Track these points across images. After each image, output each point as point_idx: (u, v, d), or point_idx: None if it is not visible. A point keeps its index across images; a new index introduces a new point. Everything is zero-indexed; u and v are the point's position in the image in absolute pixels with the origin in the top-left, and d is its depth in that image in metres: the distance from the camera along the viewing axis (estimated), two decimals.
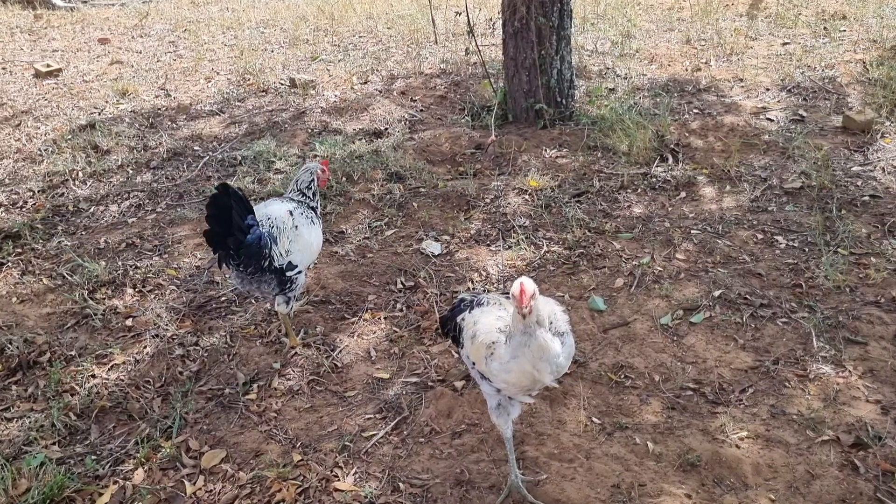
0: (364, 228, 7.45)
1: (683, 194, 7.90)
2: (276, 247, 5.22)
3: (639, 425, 4.86)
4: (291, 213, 5.45)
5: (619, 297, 6.20)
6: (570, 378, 5.29)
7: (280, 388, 5.35)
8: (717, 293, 6.14)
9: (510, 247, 7.02)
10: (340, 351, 5.72)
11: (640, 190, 7.98)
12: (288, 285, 5.42)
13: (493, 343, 4.07)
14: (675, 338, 5.68)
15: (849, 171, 8.05)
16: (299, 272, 5.45)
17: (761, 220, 7.25)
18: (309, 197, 5.64)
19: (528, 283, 3.71)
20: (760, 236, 6.99)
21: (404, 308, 6.22)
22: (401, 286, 6.52)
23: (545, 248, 6.94)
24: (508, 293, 4.22)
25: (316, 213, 5.67)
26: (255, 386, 5.39)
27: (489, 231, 7.32)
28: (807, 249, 6.73)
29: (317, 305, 6.28)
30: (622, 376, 5.31)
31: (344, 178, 8.29)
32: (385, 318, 6.10)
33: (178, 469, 4.70)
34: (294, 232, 5.38)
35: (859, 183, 7.83)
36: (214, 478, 4.63)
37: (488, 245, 7.09)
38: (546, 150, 8.95)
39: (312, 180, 5.65)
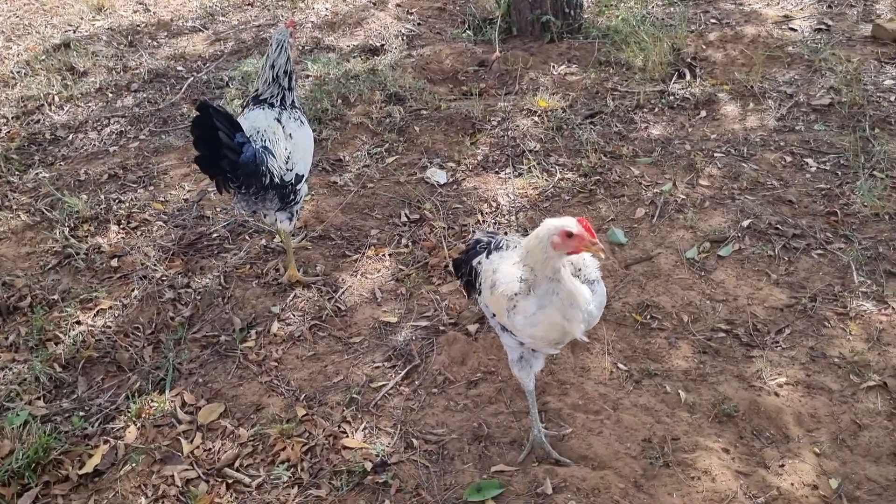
0: (363, 156, 6.95)
1: (704, 113, 7.38)
2: (273, 161, 4.74)
3: (668, 372, 4.51)
4: (279, 120, 4.97)
5: (640, 229, 5.77)
6: None
7: (280, 335, 4.96)
8: (745, 223, 5.71)
9: (521, 174, 6.54)
10: (343, 292, 5.32)
11: (657, 109, 7.45)
12: (291, 198, 5.03)
13: (516, 295, 3.65)
14: (703, 273, 5.29)
15: (881, 86, 7.51)
16: (304, 180, 5.10)
17: (789, 141, 6.76)
18: (286, 87, 5.13)
19: (584, 219, 3.37)
20: (789, 159, 6.52)
21: (410, 243, 5.79)
22: (405, 219, 6.07)
23: (558, 175, 6.47)
24: (528, 233, 3.88)
25: (299, 109, 5.26)
26: (252, 332, 5.00)
27: (497, 157, 6.83)
28: (839, 173, 6.27)
29: (316, 241, 5.85)
30: (648, 317, 4.93)
31: (340, 101, 7.72)
32: (390, 255, 5.68)
33: (173, 426, 4.35)
34: (290, 142, 4.98)
35: (893, 98, 7.30)
36: (213, 435, 4.30)
37: (497, 172, 6.61)
38: (554, 67, 8.35)
39: (287, 58, 5.12)
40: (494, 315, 3.93)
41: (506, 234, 4.20)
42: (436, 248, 5.69)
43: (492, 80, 8.27)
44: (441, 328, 4.93)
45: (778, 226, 5.67)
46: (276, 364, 4.74)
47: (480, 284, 4.04)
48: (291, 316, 5.12)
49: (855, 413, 4.17)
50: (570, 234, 3.27)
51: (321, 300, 5.20)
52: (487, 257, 4.02)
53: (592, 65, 8.30)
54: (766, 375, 4.42)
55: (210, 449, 4.20)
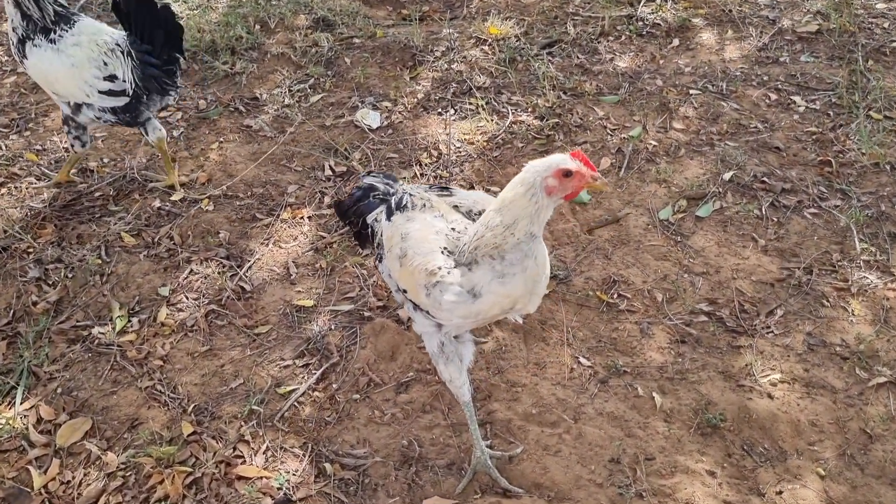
0: (283, 93, 5.91)
1: (676, 42, 6.45)
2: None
3: (640, 368, 3.72)
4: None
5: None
6: (548, 300, 4.07)
7: (168, 324, 4.04)
8: (727, 175, 4.88)
9: (466, 116, 5.59)
10: (250, 267, 4.39)
11: (623, 37, 6.49)
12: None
13: (439, 269, 2.91)
14: (679, 238, 4.46)
15: (872, 10, 6.65)
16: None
17: (773, 75, 5.89)
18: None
19: (578, 151, 2.77)
20: (774, 96, 5.66)
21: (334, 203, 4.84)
22: (329, 172, 5.12)
23: (510, 117, 5.53)
24: (444, 188, 3.33)
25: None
26: (134, 321, 4.07)
27: (441, 95, 5.85)
28: (832, 113, 5.44)
29: (219, 201, 4.87)
30: (615, 295, 4.11)
31: (257, 27, 6.61)
32: (309, 218, 4.74)
33: (23, 451, 3.45)
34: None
35: (886, 25, 6.44)
36: (74, 462, 3.42)
37: (440, 113, 5.64)
38: None
39: None
40: (405, 291, 3.13)
41: (405, 181, 3.30)
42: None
43: (437, 1, 7.20)
44: (366, 314, 4.06)
45: (764, 178, 4.85)
46: (160, 363, 3.84)
47: (381, 249, 3.28)
48: (184, 299, 4.19)
49: (864, 419, 3.45)
50: (567, 173, 2.69)
51: (221, 278, 4.27)
52: (389, 218, 3.21)
53: None
54: (757, 371, 3.66)
55: (69, 481, 3.32)
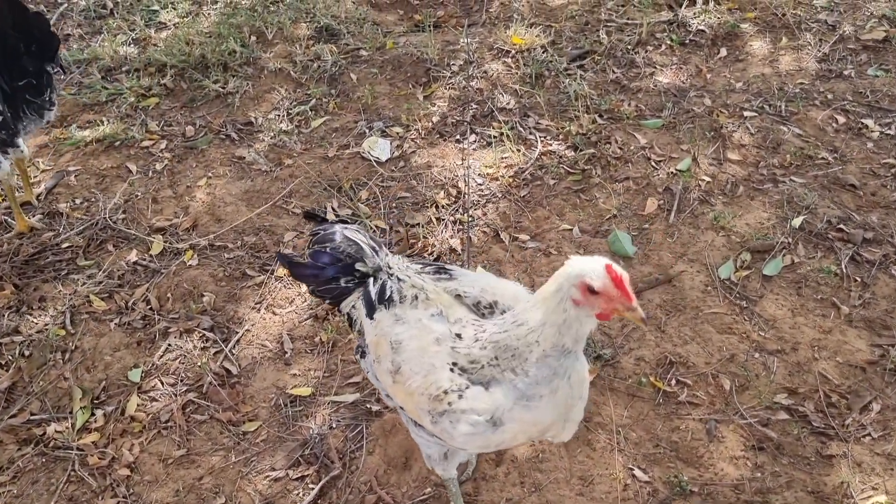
0: (281, 116, 5.22)
1: (724, 52, 5.70)
2: None
3: (711, 485, 3.03)
4: None
5: (652, 231, 4.20)
6: (594, 389, 3.39)
7: (139, 419, 3.40)
8: (796, 221, 4.16)
9: (489, 144, 4.88)
10: (238, 341, 3.72)
11: (664, 47, 5.74)
12: None
13: (446, 394, 2.31)
14: (745, 303, 3.76)
15: None
16: None
17: (838, 93, 5.14)
18: None
19: (615, 267, 2.10)
20: (842, 119, 4.92)
21: None
22: (332, 216, 4.43)
23: (539, 146, 4.82)
24: (441, 269, 2.61)
25: None
26: (98, 414, 3.42)
27: (458, 117, 5.14)
28: None
29: (205, 254, 4.21)
30: (672, 382, 3.42)
31: (253, 38, 5.91)
32: None
33: None
34: None
35: None
36: None
37: (458, 141, 4.94)
38: None
39: None
40: (402, 409, 2.54)
41: (378, 251, 2.61)
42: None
43: (452, 5, 6.47)
44: (374, 407, 3.38)
45: (840, 225, 4.13)
46: (127, 473, 3.19)
47: (362, 338, 2.66)
48: (159, 385, 3.54)
49: None
50: (591, 290, 2.10)
51: (203, 357, 3.61)
52: (370, 315, 2.54)
53: None
54: (855, 490, 2.97)
55: None
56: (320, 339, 3.71)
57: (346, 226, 2.74)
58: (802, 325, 3.63)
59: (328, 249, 2.65)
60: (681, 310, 3.75)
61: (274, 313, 3.88)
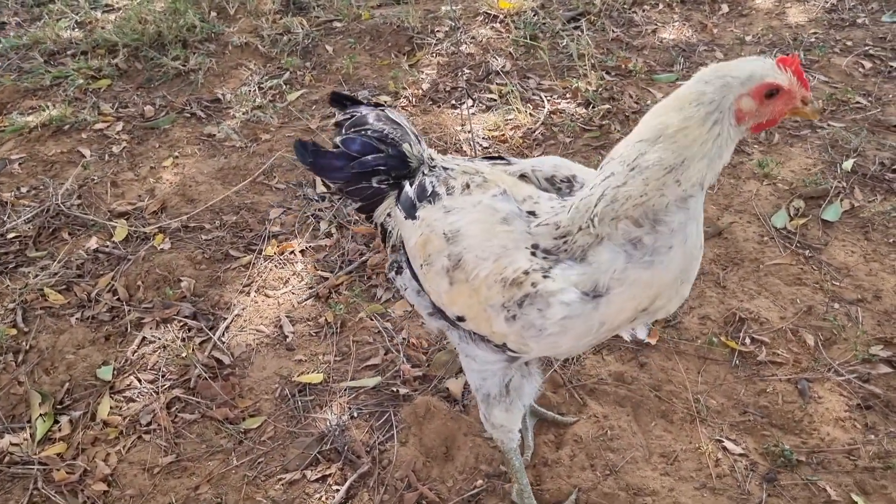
0: (252, 92, 4.65)
1: (726, 8, 5.32)
2: None
3: (820, 452, 2.53)
4: None
5: None
6: (657, 354, 2.87)
7: (114, 423, 2.76)
8: (847, 164, 3.74)
9: (489, 108, 4.38)
10: (227, 328, 3.12)
11: (661, 5, 5.35)
12: None
13: (526, 274, 1.81)
14: (810, 252, 3.30)
15: None
16: None
17: (857, 39, 4.79)
18: None
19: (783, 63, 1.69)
20: (868, 64, 4.55)
21: (333, 229, 3.61)
22: (322, 188, 3.87)
23: (547, 105, 4.33)
24: (499, 157, 2.15)
25: None
26: (63, 421, 2.79)
27: (452, 83, 4.64)
28: None
29: (178, 236, 3.60)
30: (747, 341, 2.92)
31: (213, 13, 5.34)
32: (303, 253, 3.49)
33: None
34: None
35: None
36: None
37: (454, 106, 4.43)
38: None
39: None
40: (460, 318, 1.97)
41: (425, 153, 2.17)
42: (375, 235, 3.54)
43: None
44: (401, 390, 2.81)
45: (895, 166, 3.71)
46: (104, 489, 2.56)
47: (399, 254, 2.22)
48: (135, 382, 2.91)
49: None
50: (773, 92, 1.67)
51: (188, 348, 3.00)
52: (411, 216, 2.05)
53: None
54: None
55: None
56: (326, 319, 3.13)
57: (384, 107, 2.24)
58: (879, 271, 3.18)
59: (367, 133, 2.12)
60: (738, 263, 3.27)
61: (267, 296, 3.29)
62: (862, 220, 3.44)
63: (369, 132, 2.13)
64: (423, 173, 2.12)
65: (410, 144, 2.15)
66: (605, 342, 2.87)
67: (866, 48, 4.69)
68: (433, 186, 2.04)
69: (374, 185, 2.15)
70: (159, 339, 3.05)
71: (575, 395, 2.73)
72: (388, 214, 2.19)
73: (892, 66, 4.50)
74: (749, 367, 2.83)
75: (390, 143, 2.14)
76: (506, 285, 1.82)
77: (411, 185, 2.09)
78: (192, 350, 2.99)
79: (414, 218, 2.03)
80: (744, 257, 3.29)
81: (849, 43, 4.77)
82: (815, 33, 4.92)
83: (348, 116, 2.21)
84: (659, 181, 1.68)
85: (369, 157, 2.11)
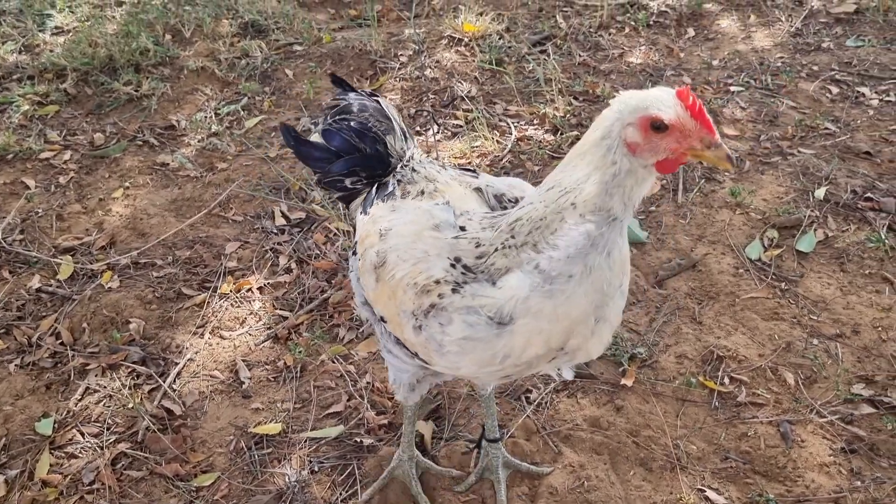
0: (208, 118, 4.47)
1: (692, 32, 5.28)
2: None
3: (805, 501, 2.41)
4: None
5: (661, 213, 3.63)
6: (635, 396, 2.75)
7: (54, 481, 2.56)
8: (819, 192, 3.67)
9: (455, 134, 4.26)
10: (179, 374, 2.93)
11: (628, 29, 5.29)
12: None
13: (436, 283, 1.78)
14: (784, 284, 3.21)
15: None
16: None
17: (822, 64, 4.76)
18: None
19: (687, 91, 1.58)
20: (835, 90, 4.52)
21: (293, 265, 3.44)
22: (282, 221, 3.70)
23: (514, 132, 4.22)
24: (468, 170, 2.15)
25: None
26: None
27: (416, 108, 4.50)
28: None
29: (127, 274, 3.41)
30: (725, 380, 2.81)
31: (168, 36, 5.15)
32: (261, 290, 3.32)
33: None
34: None
35: None
36: None
37: (419, 133, 4.30)
38: None
39: None
40: (383, 320, 1.99)
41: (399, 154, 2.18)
42: (336, 270, 3.38)
43: None
44: (365, 440, 2.64)
45: (868, 194, 3.65)
46: None
47: (356, 242, 2.15)
48: (78, 437, 2.71)
49: None
50: (657, 125, 1.57)
51: (136, 397, 2.80)
52: (365, 211, 2.11)
53: None
54: None
55: None
56: (285, 362, 2.96)
57: (378, 97, 2.28)
58: (857, 305, 3.09)
59: (350, 125, 2.17)
60: (714, 297, 3.17)
61: (222, 337, 3.11)
62: (836, 250, 3.36)
63: (352, 124, 2.17)
64: (394, 172, 2.13)
65: (394, 139, 2.18)
66: (527, 377, 2.74)
67: (832, 73, 4.66)
68: (393, 187, 2.06)
69: (348, 185, 2.19)
70: (105, 387, 2.85)
71: (549, 443, 2.59)
72: (360, 212, 2.17)
73: (858, 92, 4.47)
74: (729, 409, 2.72)
75: (371, 139, 2.16)
76: (416, 292, 1.79)
77: (378, 189, 2.09)
78: (140, 400, 2.79)
79: (365, 213, 2.07)
80: (719, 291, 3.19)
81: (815, 67, 4.74)
82: (781, 57, 4.88)
83: (336, 103, 2.26)
84: (556, 203, 1.65)
85: (341, 162, 2.14)
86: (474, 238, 1.77)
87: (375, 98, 2.30)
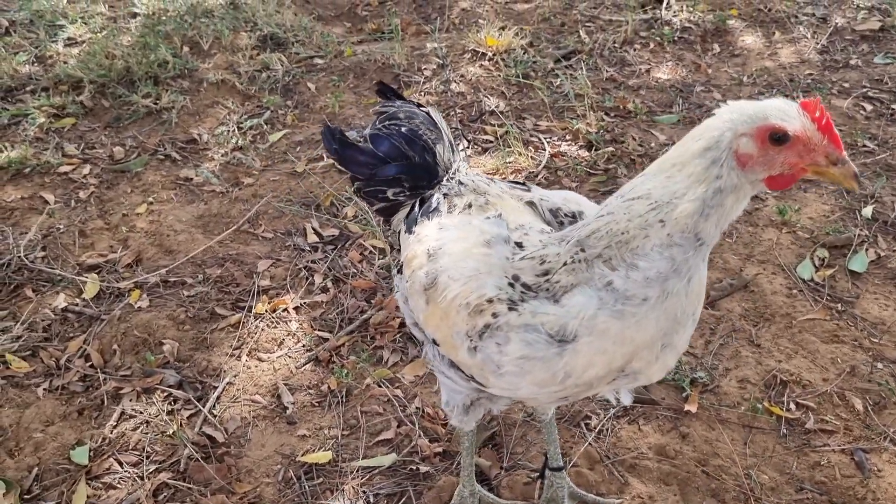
0: (231, 132, 4.35)
1: (717, 48, 5.22)
2: None
3: None
4: None
5: None
6: (699, 423, 2.63)
7: None
8: (867, 211, 3.59)
9: (486, 150, 4.16)
10: (219, 398, 2.79)
11: (653, 44, 5.21)
12: None
13: (489, 302, 1.67)
14: (841, 305, 3.11)
15: None
16: None
17: (853, 81, 4.70)
18: None
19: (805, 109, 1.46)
20: (869, 107, 4.46)
21: (329, 283, 3.31)
22: (314, 237, 3.58)
23: (547, 148, 4.12)
24: (519, 183, 2.04)
25: None
26: None
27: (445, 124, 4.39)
28: None
29: (157, 292, 3.27)
30: (791, 406, 2.70)
31: (186, 48, 5.04)
32: (297, 310, 3.19)
33: None
34: None
35: None
36: None
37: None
38: None
39: None
40: (436, 344, 1.89)
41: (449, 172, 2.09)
42: (376, 290, 3.25)
43: (408, 13, 5.79)
44: (421, 468, 2.51)
45: None
46: None
47: (400, 264, 2.05)
48: (116, 466, 2.56)
49: None
50: (780, 137, 1.46)
51: (175, 421, 2.66)
52: (409, 230, 1.98)
53: None
54: None
55: None
56: (328, 386, 2.82)
57: (427, 108, 2.19)
58: None
59: (400, 131, 2.07)
60: (769, 319, 3.07)
61: (260, 359, 2.97)
62: (890, 270, 3.28)
63: (403, 129, 2.08)
64: (440, 185, 2.05)
65: (443, 149, 2.10)
66: (585, 401, 2.63)
67: (864, 90, 4.60)
68: (437, 202, 1.95)
69: (390, 196, 2.09)
70: (141, 413, 2.71)
71: (615, 473, 2.47)
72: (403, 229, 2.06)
73: (893, 109, 4.41)
74: (798, 437, 2.61)
75: (421, 147, 2.07)
76: (469, 312, 1.69)
77: (422, 205, 1.99)
78: (180, 426, 2.65)
79: (410, 233, 1.96)
80: (774, 312, 3.09)
81: (846, 84, 4.68)
82: (810, 74, 4.82)
83: (385, 110, 2.16)
84: (642, 218, 1.53)
85: (389, 167, 2.05)
86: (537, 256, 1.67)
87: (424, 108, 2.22)
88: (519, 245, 1.73)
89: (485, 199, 1.94)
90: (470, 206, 1.92)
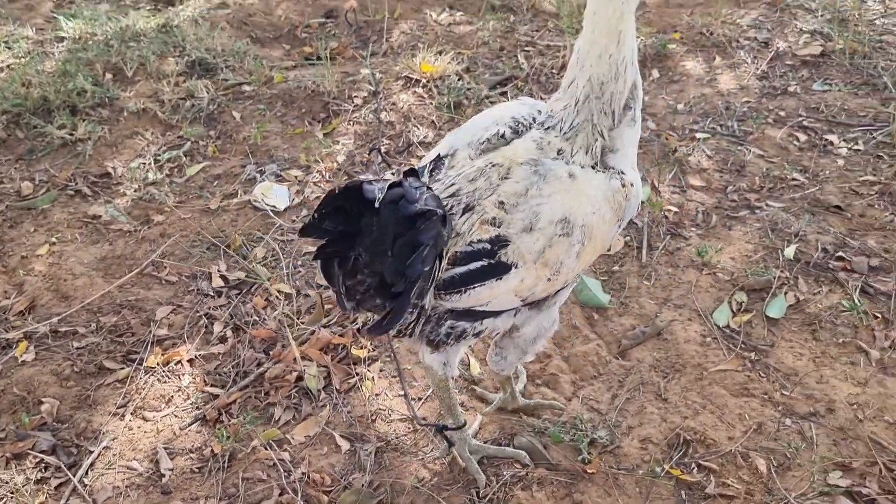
0: (147, 165, 4.20)
1: (656, 74, 5.12)
2: None
3: None
4: None
5: (624, 274, 3.42)
6: (594, 486, 2.51)
7: None
8: (789, 251, 3.48)
9: None
10: (92, 464, 2.64)
11: None
12: None
13: (624, 186, 2.19)
14: (755, 355, 3.01)
15: (877, 26, 5.50)
16: None
17: (790, 109, 4.61)
18: None
19: None
20: (803, 137, 4.37)
21: (228, 332, 3.17)
22: (219, 282, 3.44)
23: None
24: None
25: None
26: None
27: (367, 155, 4.28)
28: (885, 155, 4.17)
29: (45, 344, 3.11)
30: (693, 468, 2.58)
31: (109, 76, 4.88)
32: (191, 363, 3.04)
33: None
34: None
35: (892, 40, 5.31)
36: None
37: (372, 183, 4.03)
38: (433, 14, 5.85)
39: None
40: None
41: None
42: (275, 341, 3.11)
43: (347, 35, 5.66)
44: None
45: (839, 253, 3.47)
46: None
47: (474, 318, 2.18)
48: None
49: None
50: None
51: (41, 492, 2.50)
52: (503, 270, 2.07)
53: (486, 10, 5.86)
54: None
55: None
56: (211, 450, 2.68)
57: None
58: (830, 378, 2.90)
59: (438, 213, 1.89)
60: (680, 370, 2.95)
61: (145, 419, 2.83)
62: (808, 315, 3.17)
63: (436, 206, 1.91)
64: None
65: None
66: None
67: (800, 119, 4.51)
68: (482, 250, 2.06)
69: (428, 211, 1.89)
70: (7, 483, 2.55)
71: None
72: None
73: (826, 140, 4.32)
74: (697, 502, 2.49)
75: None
76: (617, 203, 2.12)
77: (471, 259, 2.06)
78: (46, 497, 2.49)
79: (507, 272, 2.03)
80: (686, 362, 2.98)
81: (782, 113, 4.59)
82: (747, 102, 4.73)
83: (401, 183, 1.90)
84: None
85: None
86: (561, 136, 2.18)
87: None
88: (560, 152, 2.13)
89: (489, 164, 2.10)
90: (481, 173, 2.09)
